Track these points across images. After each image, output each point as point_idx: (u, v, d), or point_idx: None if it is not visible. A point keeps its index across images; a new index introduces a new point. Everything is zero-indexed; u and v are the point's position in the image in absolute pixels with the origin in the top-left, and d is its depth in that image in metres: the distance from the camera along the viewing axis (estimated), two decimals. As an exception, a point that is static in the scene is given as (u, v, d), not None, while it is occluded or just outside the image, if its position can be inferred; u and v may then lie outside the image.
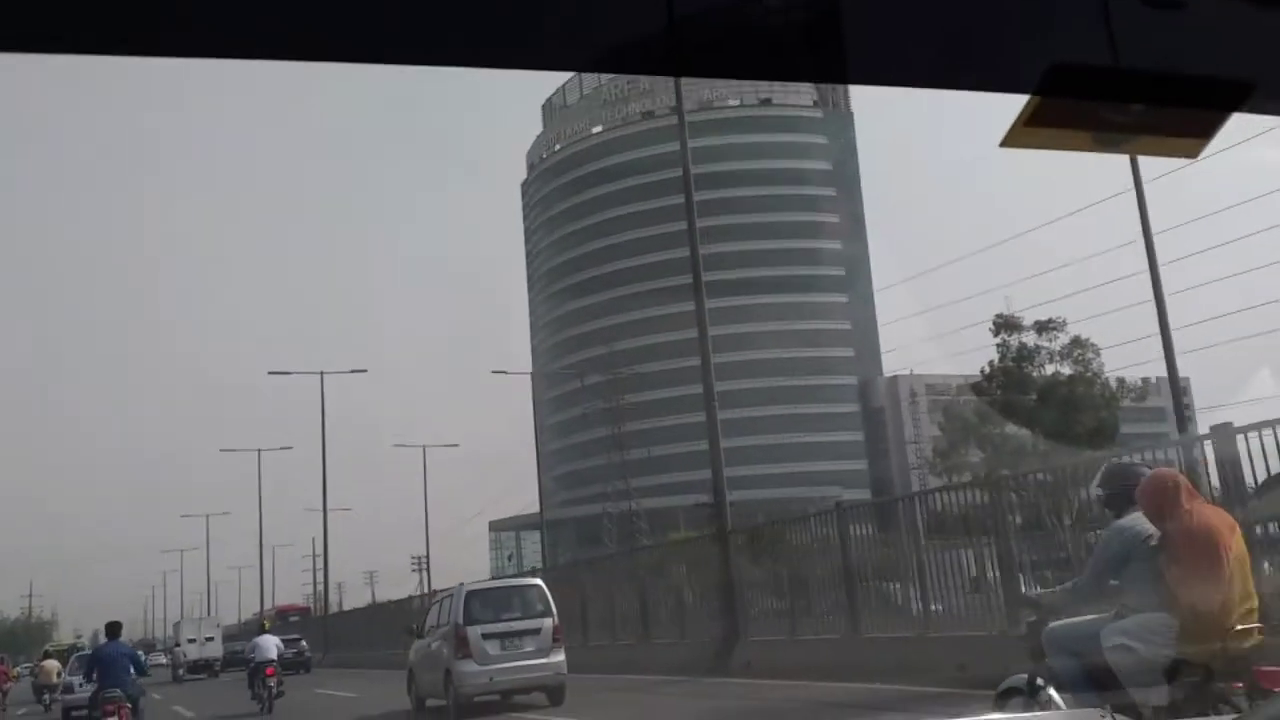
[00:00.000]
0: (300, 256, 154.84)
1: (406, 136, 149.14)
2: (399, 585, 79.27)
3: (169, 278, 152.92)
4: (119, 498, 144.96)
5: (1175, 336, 21.78)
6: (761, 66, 0.95)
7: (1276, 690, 4.73)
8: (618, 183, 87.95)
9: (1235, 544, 5.16)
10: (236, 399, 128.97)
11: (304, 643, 39.55)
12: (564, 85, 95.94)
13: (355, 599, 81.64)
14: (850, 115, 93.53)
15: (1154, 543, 5.24)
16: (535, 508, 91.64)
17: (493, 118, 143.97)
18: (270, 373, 47.40)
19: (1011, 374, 37.23)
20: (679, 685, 16.34)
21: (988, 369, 38.04)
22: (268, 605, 77.66)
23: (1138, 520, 5.39)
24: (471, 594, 16.13)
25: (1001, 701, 5.69)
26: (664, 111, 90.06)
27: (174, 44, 0.79)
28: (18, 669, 53.71)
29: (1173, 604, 5.08)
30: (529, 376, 78.63)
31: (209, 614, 65.45)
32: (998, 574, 12.00)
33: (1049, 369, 36.85)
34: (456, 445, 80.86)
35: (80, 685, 23.41)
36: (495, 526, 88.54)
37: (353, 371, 52.19)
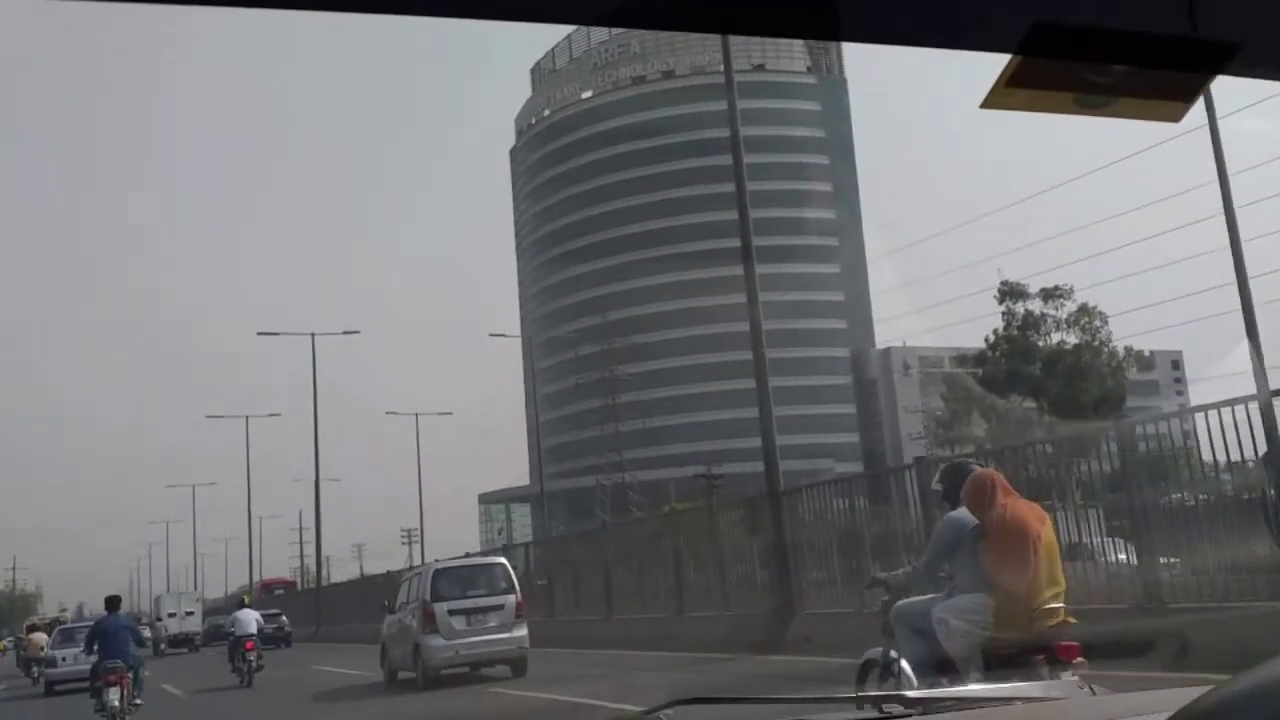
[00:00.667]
0: (285, 220, 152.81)
1: (394, 99, 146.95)
2: (387, 559, 78.44)
3: (152, 242, 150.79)
4: (103, 467, 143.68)
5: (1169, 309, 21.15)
6: (742, 20, 0.86)
7: (1074, 662, 5.48)
8: (609, 149, 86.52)
9: (1045, 535, 5.92)
10: (222, 366, 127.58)
11: (284, 618, 39.89)
12: (553, 49, 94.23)
13: (342, 573, 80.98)
14: (844, 81, 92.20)
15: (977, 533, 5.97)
16: (525, 480, 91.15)
17: (481, 81, 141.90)
18: (260, 333, 45.37)
19: (1016, 343, 36.76)
20: (730, 664, 14.50)
21: (991, 338, 37.63)
22: (244, 580, 77.19)
23: (965, 513, 6.05)
24: (439, 572, 17.06)
25: (862, 673, 6.43)
26: (654, 76, 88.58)
27: None
28: (3, 642, 53.07)
29: (989, 586, 5.85)
30: (519, 345, 77.47)
31: (191, 589, 64.90)
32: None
33: (1055, 337, 36.46)
34: (450, 414, 79.83)
35: (64, 659, 23.95)
36: (485, 499, 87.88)
37: (345, 333, 48.59)
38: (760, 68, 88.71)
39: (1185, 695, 1.14)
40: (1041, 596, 5.77)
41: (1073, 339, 36.19)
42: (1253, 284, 19.26)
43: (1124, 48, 0.86)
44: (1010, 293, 37.13)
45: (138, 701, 14.81)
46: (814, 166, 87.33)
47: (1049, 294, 36.47)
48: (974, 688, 2.27)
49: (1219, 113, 19.01)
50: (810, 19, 0.87)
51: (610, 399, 71.44)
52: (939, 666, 5.93)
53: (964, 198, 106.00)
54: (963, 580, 6.06)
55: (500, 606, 16.29)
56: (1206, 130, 18.85)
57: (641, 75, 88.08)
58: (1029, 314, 36.75)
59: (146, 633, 34.75)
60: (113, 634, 14.56)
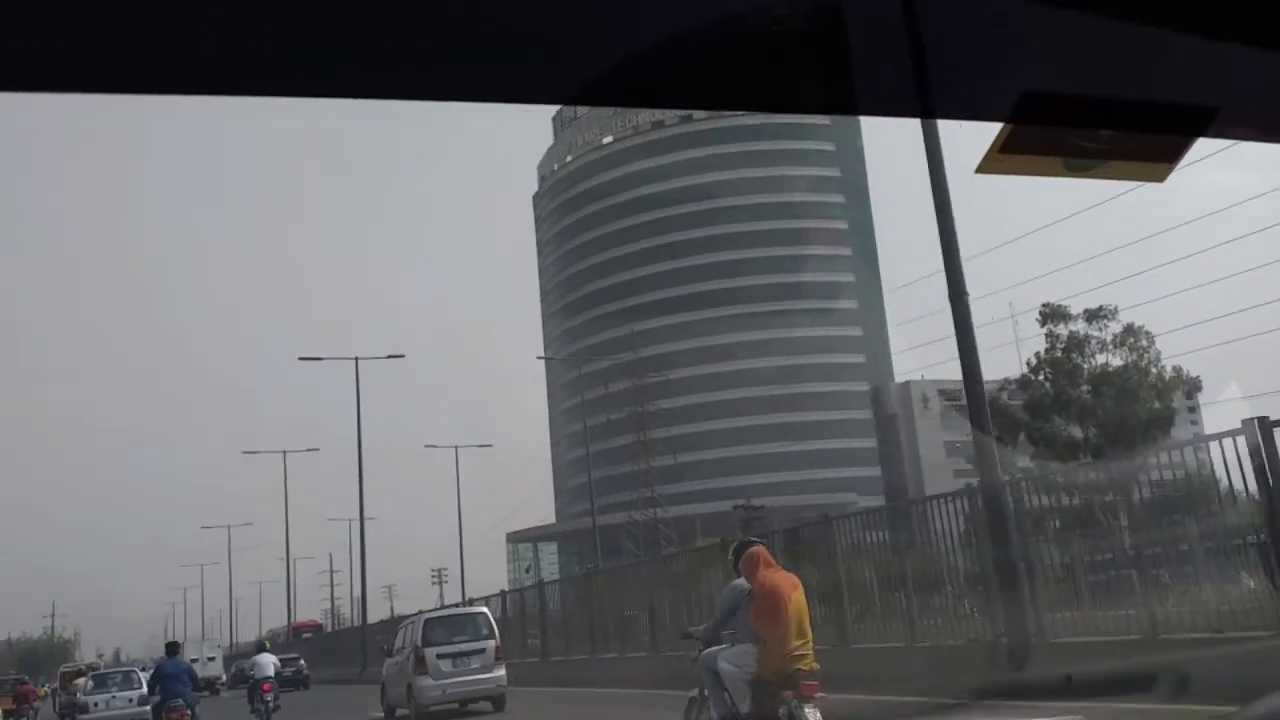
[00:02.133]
0: (311, 263, 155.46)
1: (421, 149, 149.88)
2: (418, 600, 79.83)
3: (180, 282, 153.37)
4: (138, 510, 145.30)
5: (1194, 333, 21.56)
6: (743, 98, 0.99)
7: (816, 696, 7.14)
8: (631, 192, 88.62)
9: (795, 598, 7.61)
10: (251, 405, 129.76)
11: (302, 661, 41.66)
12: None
13: (374, 614, 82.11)
14: (858, 121, 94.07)
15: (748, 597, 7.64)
16: (552, 518, 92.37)
17: (505, 129, 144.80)
18: (301, 359, 43.00)
19: (1060, 365, 35.79)
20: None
21: (1034, 360, 36.56)
22: (280, 623, 78.60)
23: (744, 581, 7.79)
24: (429, 621, 19.58)
25: (689, 706, 8.32)
26: (673, 121, 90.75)
27: (174, 83, 0.83)
28: (44, 688, 54.33)
29: (754, 638, 7.56)
30: (545, 393, 78.91)
31: (215, 635, 66.14)
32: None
33: (1099, 359, 35.42)
34: (490, 445, 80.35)
35: (96, 705, 24.68)
36: (513, 538, 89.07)
37: (390, 356, 45.67)
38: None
39: None
40: (791, 645, 7.40)
41: (1118, 360, 35.05)
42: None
43: (1110, 114, 0.90)
44: (1052, 314, 36.15)
45: None
46: (830, 205, 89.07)
47: (1093, 315, 35.45)
48: None
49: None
50: (810, 95, 0.92)
51: (640, 435, 72.72)
52: (727, 700, 7.70)
53: (977, 230, 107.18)
54: (738, 633, 7.76)
55: (482, 650, 18.53)
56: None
57: (660, 120, 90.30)
58: (1073, 335, 35.73)
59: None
60: (173, 676, 16.38)
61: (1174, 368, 35.05)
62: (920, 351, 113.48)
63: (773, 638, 7.45)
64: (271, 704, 21.35)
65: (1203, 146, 0.94)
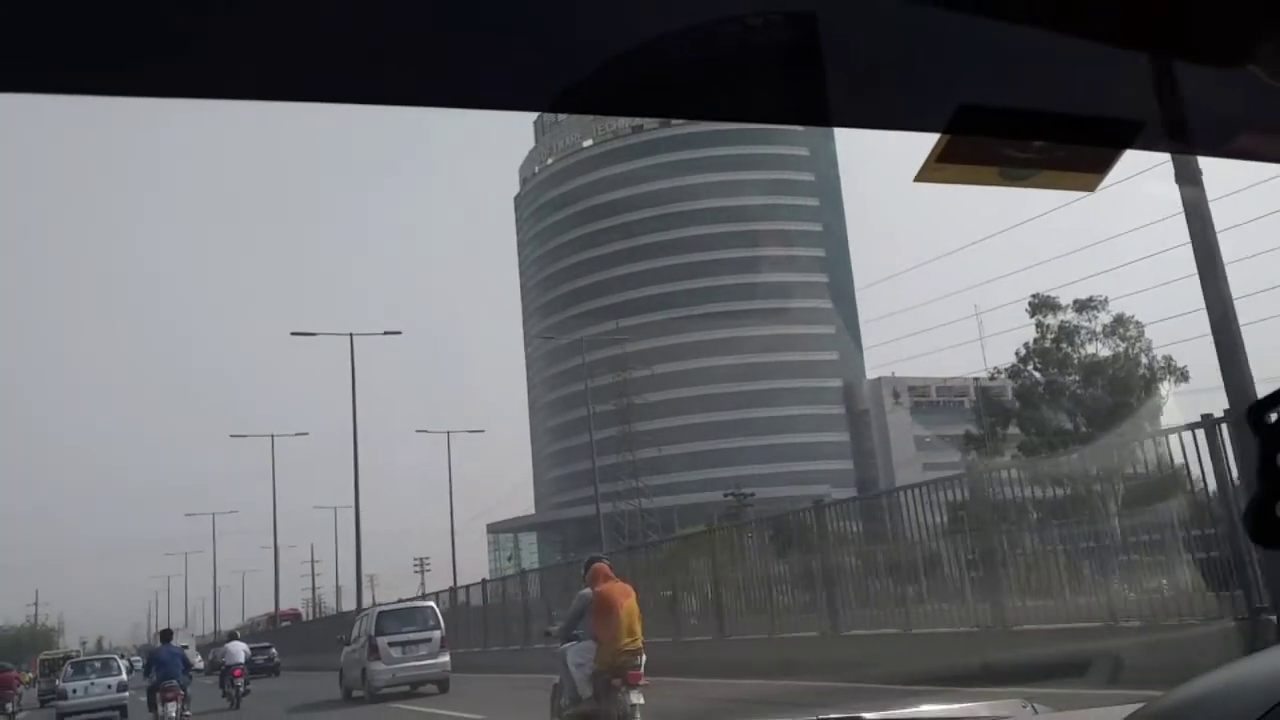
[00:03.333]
0: (287, 256, 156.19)
1: (403, 151, 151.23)
2: (399, 589, 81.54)
3: (165, 268, 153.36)
4: (123, 497, 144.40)
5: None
6: (700, 107, 0.98)
7: (640, 684, 9.08)
8: (611, 193, 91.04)
9: (627, 604, 9.33)
10: (236, 390, 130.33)
11: (274, 650, 43.81)
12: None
13: (354, 603, 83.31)
14: (831, 129, 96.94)
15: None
16: (532, 510, 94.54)
17: (487, 130, 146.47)
18: (294, 334, 40.85)
19: (1049, 355, 36.27)
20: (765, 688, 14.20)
21: (1022, 350, 36.98)
22: (263, 611, 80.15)
23: (589, 590, 9.57)
24: (382, 613, 22.26)
25: (554, 692, 10.04)
26: (652, 125, 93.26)
27: (167, 86, 0.81)
28: (29, 675, 55.28)
29: (594, 637, 9.34)
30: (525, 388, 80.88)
31: (198, 624, 67.31)
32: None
33: (1089, 349, 35.72)
34: (482, 431, 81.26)
35: (74, 691, 25.18)
36: (493, 529, 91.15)
37: (386, 333, 44.15)
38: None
39: (1118, 713, 1.24)
40: (623, 643, 9.17)
41: (1107, 351, 35.47)
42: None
43: (1042, 126, 0.92)
44: (1042, 305, 36.58)
45: (188, 714, 18.36)
46: (805, 208, 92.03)
47: (1083, 305, 35.96)
48: (928, 708, 2.50)
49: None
50: (758, 105, 0.96)
51: (627, 426, 75.00)
52: (574, 687, 9.53)
53: (942, 233, 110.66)
54: (583, 633, 9.55)
55: (429, 639, 20.84)
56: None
57: (639, 124, 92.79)
58: (1064, 326, 36.13)
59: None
60: (168, 660, 18.21)
61: (1164, 357, 35.41)
62: (890, 348, 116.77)
63: (607, 638, 9.20)
64: (242, 688, 23.15)
65: (1136, 159, 1.01)
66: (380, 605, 23.99)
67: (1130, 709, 1.16)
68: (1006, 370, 38.37)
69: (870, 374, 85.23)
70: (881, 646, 13.37)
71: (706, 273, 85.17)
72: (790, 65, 0.88)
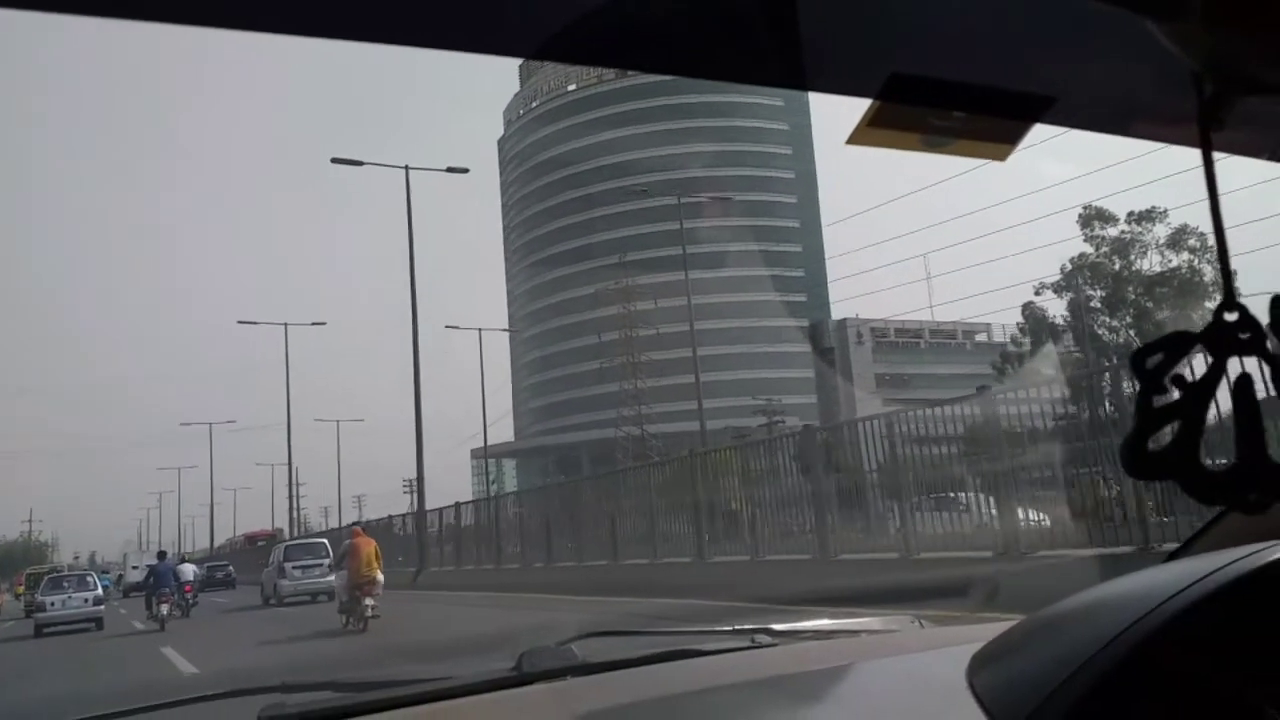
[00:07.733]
0: (267, 207, 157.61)
1: (385, 95, 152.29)
2: (389, 509, 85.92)
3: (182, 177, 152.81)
4: (120, 409, 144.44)
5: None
6: (648, 59, 1.00)
7: (375, 594, 17.05)
8: (594, 136, 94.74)
9: (366, 550, 17.29)
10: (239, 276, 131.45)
11: (231, 567, 53.00)
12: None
13: (338, 522, 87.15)
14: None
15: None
16: (511, 437, 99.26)
17: (470, 75, 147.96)
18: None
19: (1101, 269, 35.34)
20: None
21: (1068, 265, 35.81)
22: (240, 530, 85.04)
23: (350, 541, 18.36)
24: (288, 546, 31.47)
25: (338, 595, 18.99)
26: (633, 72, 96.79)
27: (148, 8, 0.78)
28: (19, 587, 58.22)
29: (348, 568, 17.44)
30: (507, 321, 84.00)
31: (149, 547, 71.43)
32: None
33: (1144, 261, 34.84)
34: (509, 330, 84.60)
35: (52, 604, 26.22)
36: (476, 454, 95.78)
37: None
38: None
39: (993, 629, 1.32)
40: (362, 574, 16.85)
41: (1168, 262, 34.39)
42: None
43: (962, 97, 0.97)
44: (1096, 216, 35.57)
45: (176, 613, 23.35)
46: (778, 156, 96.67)
47: (1142, 216, 34.94)
48: (826, 622, 2.28)
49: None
50: (702, 63, 0.97)
51: (631, 356, 79.50)
52: (342, 596, 17.84)
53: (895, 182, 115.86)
54: (345, 566, 17.54)
55: (321, 565, 28.10)
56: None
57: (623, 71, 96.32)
58: (1120, 236, 35.16)
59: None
60: (163, 572, 23.92)
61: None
62: (852, 284, 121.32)
63: (353, 569, 16.99)
64: (190, 601, 25.72)
65: (1042, 131, 1.07)
66: (288, 540, 35.66)
67: (1001, 626, 1.32)
68: (1051, 286, 37.01)
69: (835, 315, 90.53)
70: (794, 570, 14.72)
71: (687, 216, 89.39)
72: (740, 25, 0.92)
